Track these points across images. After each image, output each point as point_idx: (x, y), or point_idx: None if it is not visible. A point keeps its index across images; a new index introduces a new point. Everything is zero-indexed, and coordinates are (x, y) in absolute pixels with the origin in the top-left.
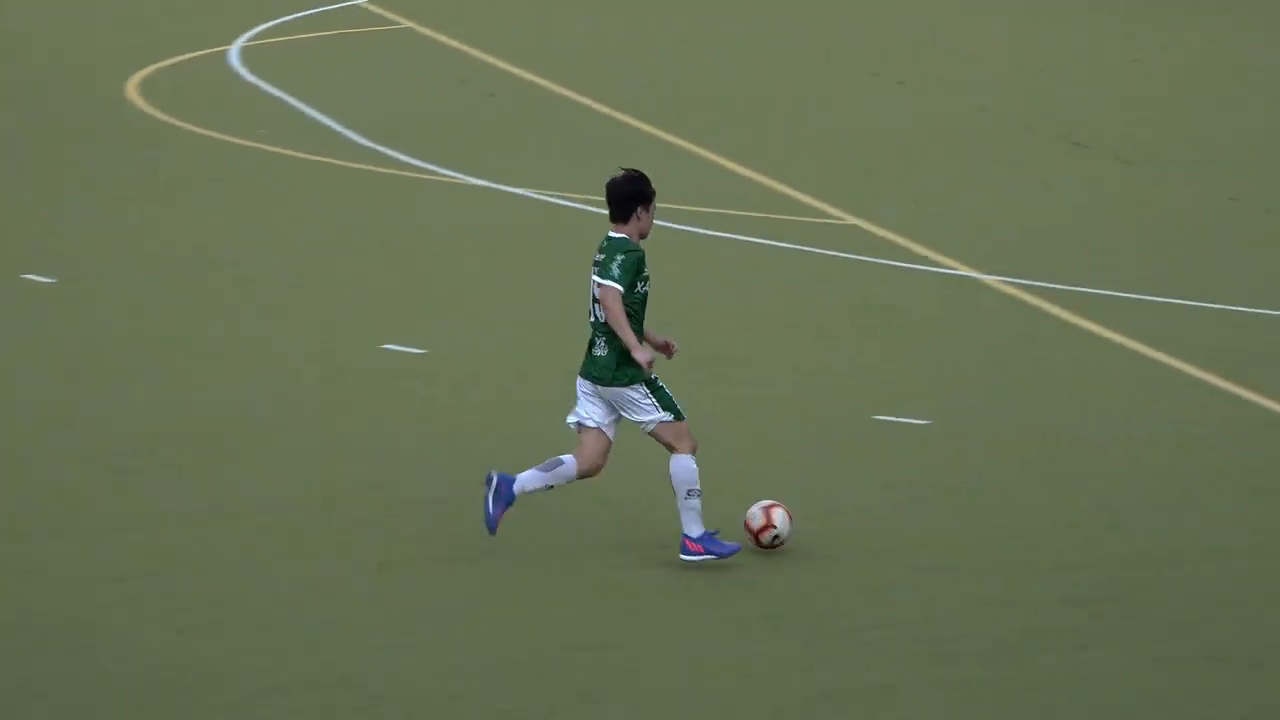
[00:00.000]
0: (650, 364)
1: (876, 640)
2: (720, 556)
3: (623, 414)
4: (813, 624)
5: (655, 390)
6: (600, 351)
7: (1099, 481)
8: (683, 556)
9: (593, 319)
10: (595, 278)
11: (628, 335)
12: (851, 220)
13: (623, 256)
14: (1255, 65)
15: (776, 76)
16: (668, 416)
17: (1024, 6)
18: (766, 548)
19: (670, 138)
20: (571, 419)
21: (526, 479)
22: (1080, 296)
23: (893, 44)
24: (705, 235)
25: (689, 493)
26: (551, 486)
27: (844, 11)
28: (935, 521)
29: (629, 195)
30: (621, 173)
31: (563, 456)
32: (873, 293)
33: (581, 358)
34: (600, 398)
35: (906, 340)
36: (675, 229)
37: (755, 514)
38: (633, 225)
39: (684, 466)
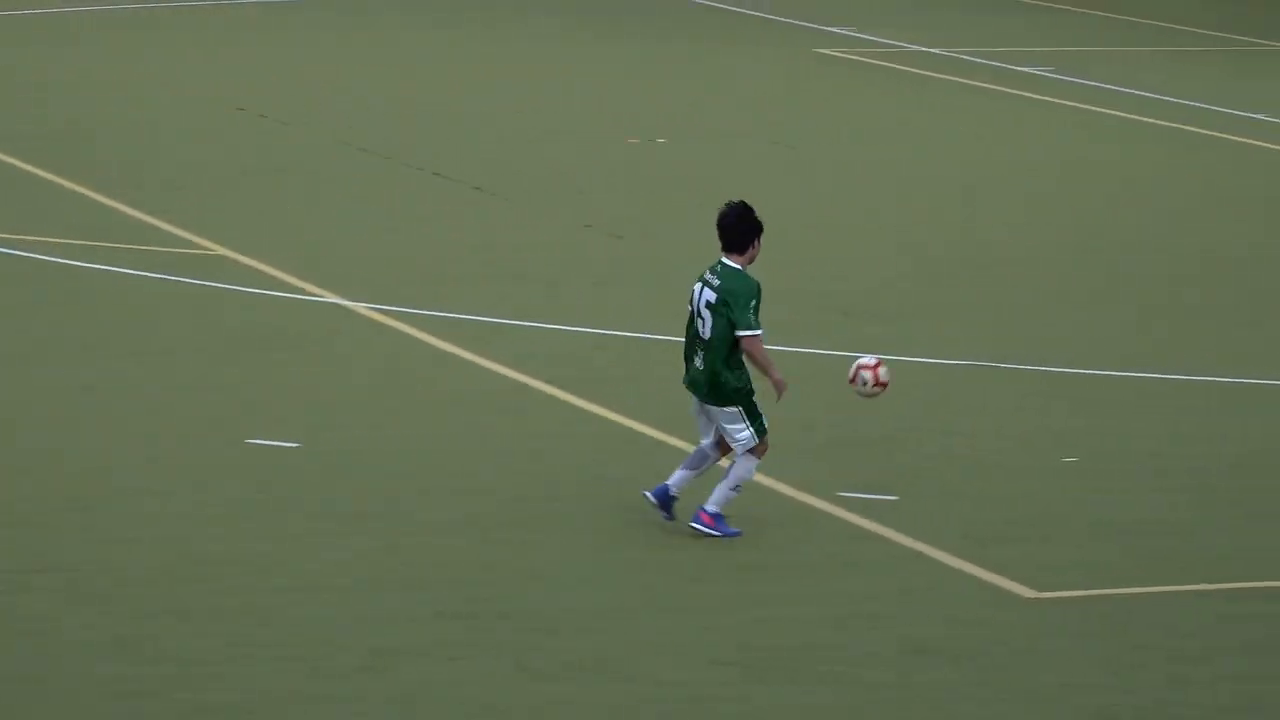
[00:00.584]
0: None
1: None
2: (726, 536)
3: (717, 424)
4: None
5: (751, 416)
6: (700, 365)
7: (466, 497)
8: (694, 524)
9: (692, 332)
10: (711, 310)
11: (774, 374)
12: (220, 250)
13: (755, 301)
14: (582, 96)
15: (141, 113)
16: (755, 441)
17: (383, 43)
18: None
19: (37, 171)
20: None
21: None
22: (444, 321)
23: (252, 79)
24: (74, 266)
25: (736, 486)
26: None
27: (199, 45)
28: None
29: (750, 226)
30: (734, 204)
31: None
32: (243, 320)
33: None
34: (704, 410)
35: (276, 365)
36: (39, 259)
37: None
38: (747, 255)
39: (749, 468)
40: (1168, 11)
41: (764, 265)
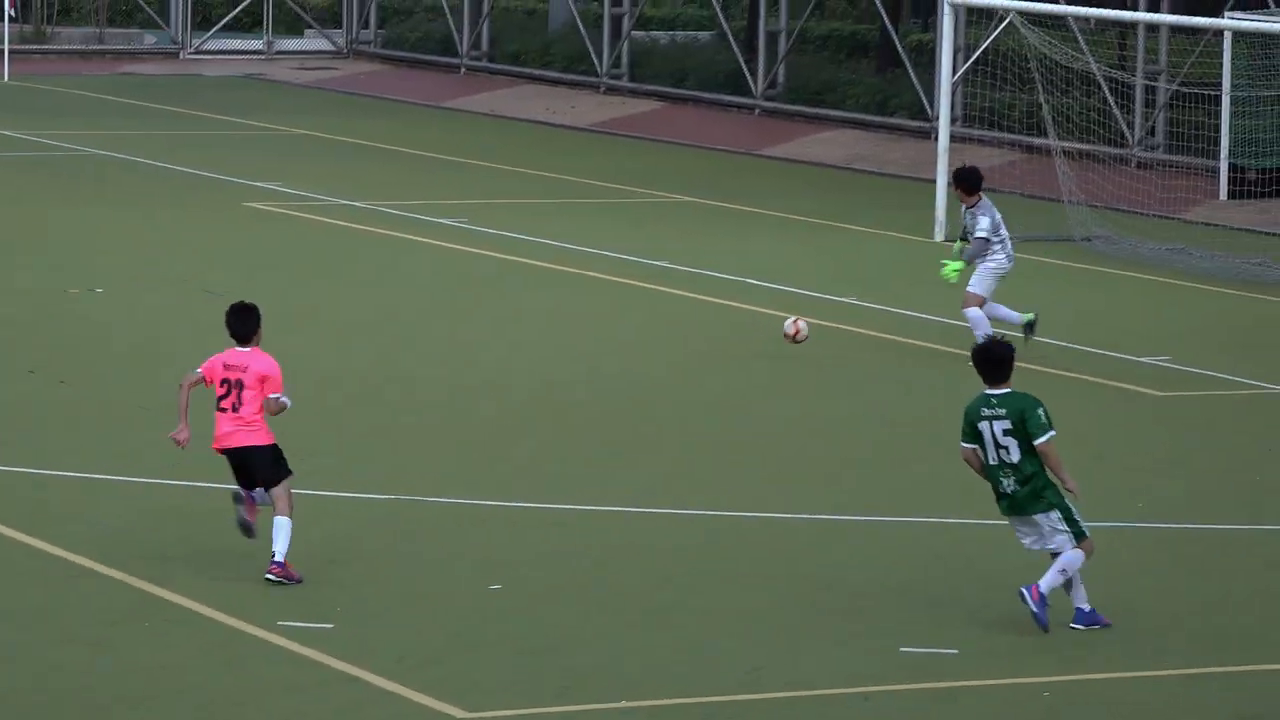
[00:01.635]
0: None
1: None
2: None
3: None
4: None
5: (1069, 519)
6: (1014, 490)
7: None
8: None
9: (995, 462)
10: (1010, 435)
11: (1067, 475)
12: None
13: (1042, 407)
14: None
15: None
16: (1074, 543)
17: None
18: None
19: None
20: (1036, 546)
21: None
22: None
23: None
24: None
25: (1064, 571)
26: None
27: None
28: None
29: (1005, 359)
30: (992, 341)
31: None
32: None
33: None
34: (1025, 523)
35: None
36: None
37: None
38: (1011, 380)
39: (1078, 559)
40: (562, 165)
41: (207, 407)
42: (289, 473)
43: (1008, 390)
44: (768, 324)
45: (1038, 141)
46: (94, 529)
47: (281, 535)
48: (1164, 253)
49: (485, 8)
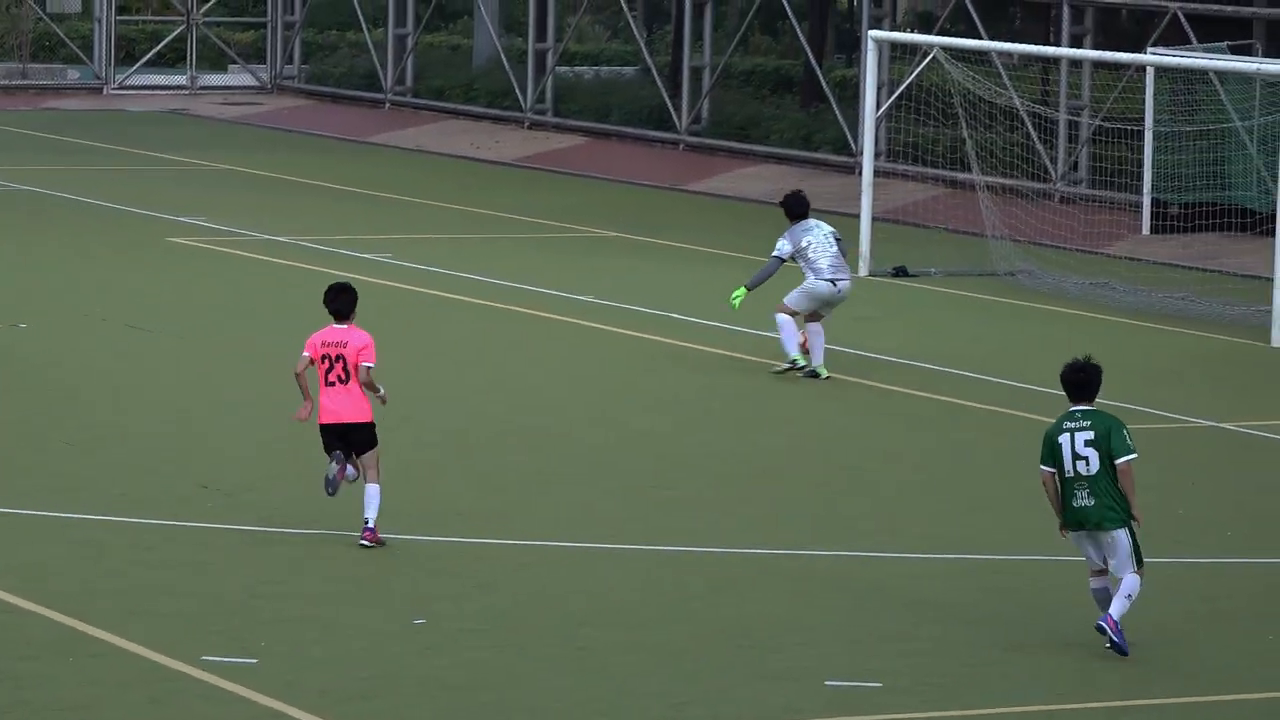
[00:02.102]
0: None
1: None
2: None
3: (1102, 549)
4: None
5: (1134, 542)
6: (1087, 503)
7: None
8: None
9: (1072, 474)
10: (1091, 445)
11: (1136, 501)
12: None
13: (1127, 429)
14: None
15: None
16: (1135, 567)
17: None
18: None
19: None
20: (1099, 562)
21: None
22: None
23: None
24: None
25: (1130, 596)
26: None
27: None
28: None
29: (1094, 379)
30: (1084, 362)
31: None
32: None
33: None
34: (1091, 538)
35: None
36: None
37: None
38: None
39: (1137, 582)
40: (487, 201)
41: (131, 442)
42: (377, 443)
43: (1093, 408)
44: (693, 358)
45: (961, 176)
46: (14, 563)
47: (373, 503)
48: (1087, 287)
49: (410, 43)
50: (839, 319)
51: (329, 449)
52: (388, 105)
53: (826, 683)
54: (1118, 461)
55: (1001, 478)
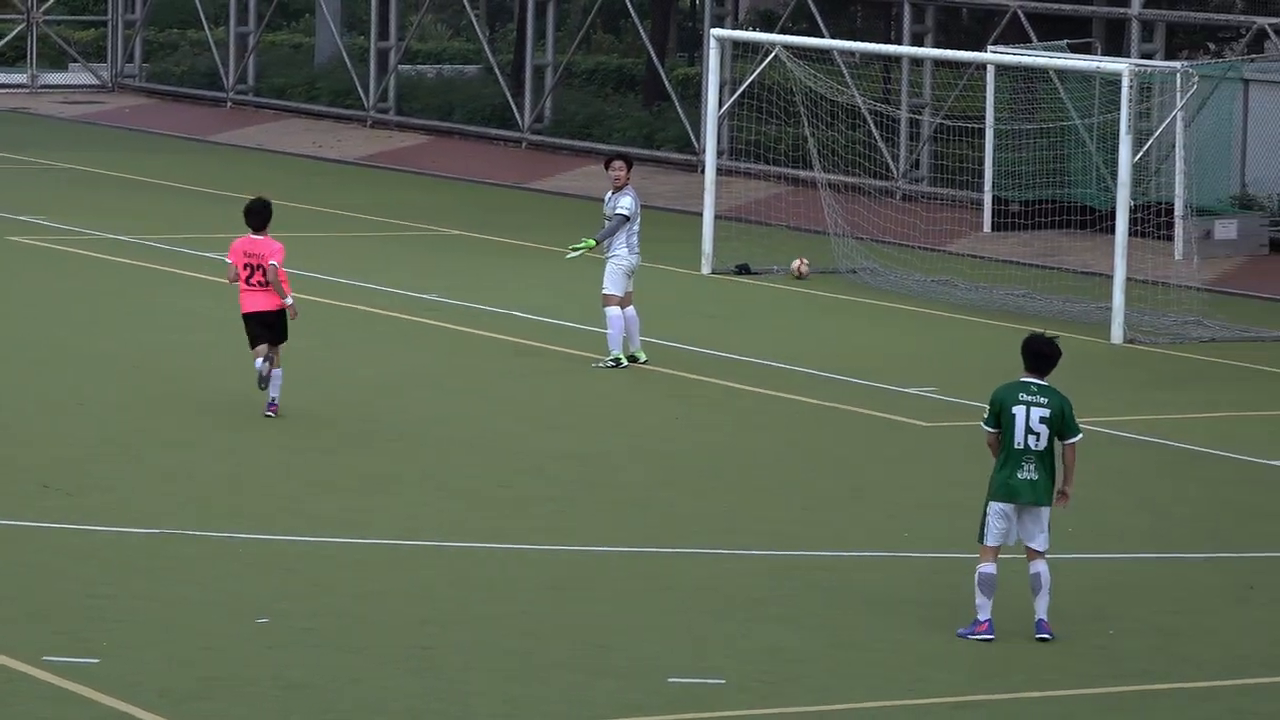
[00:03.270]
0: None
1: None
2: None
3: (1025, 524)
4: None
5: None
6: (1033, 476)
7: None
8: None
9: (1021, 446)
10: (1045, 423)
11: (1073, 482)
12: None
13: (1072, 410)
14: None
15: None
16: (1047, 545)
17: None
18: None
19: None
20: (1014, 538)
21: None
22: None
23: None
24: None
25: (1049, 589)
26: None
27: None
28: None
29: (1057, 354)
30: (1043, 336)
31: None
32: None
33: None
34: (1013, 515)
35: None
36: None
37: None
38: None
39: (1047, 570)
40: (330, 199)
41: None
42: (288, 337)
43: (1048, 384)
44: (536, 356)
45: (804, 174)
46: None
47: (278, 384)
48: (929, 285)
49: (251, 42)
50: (684, 318)
51: (255, 341)
52: (229, 104)
53: (668, 680)
54: (1068, 441)
55: (840, 476)
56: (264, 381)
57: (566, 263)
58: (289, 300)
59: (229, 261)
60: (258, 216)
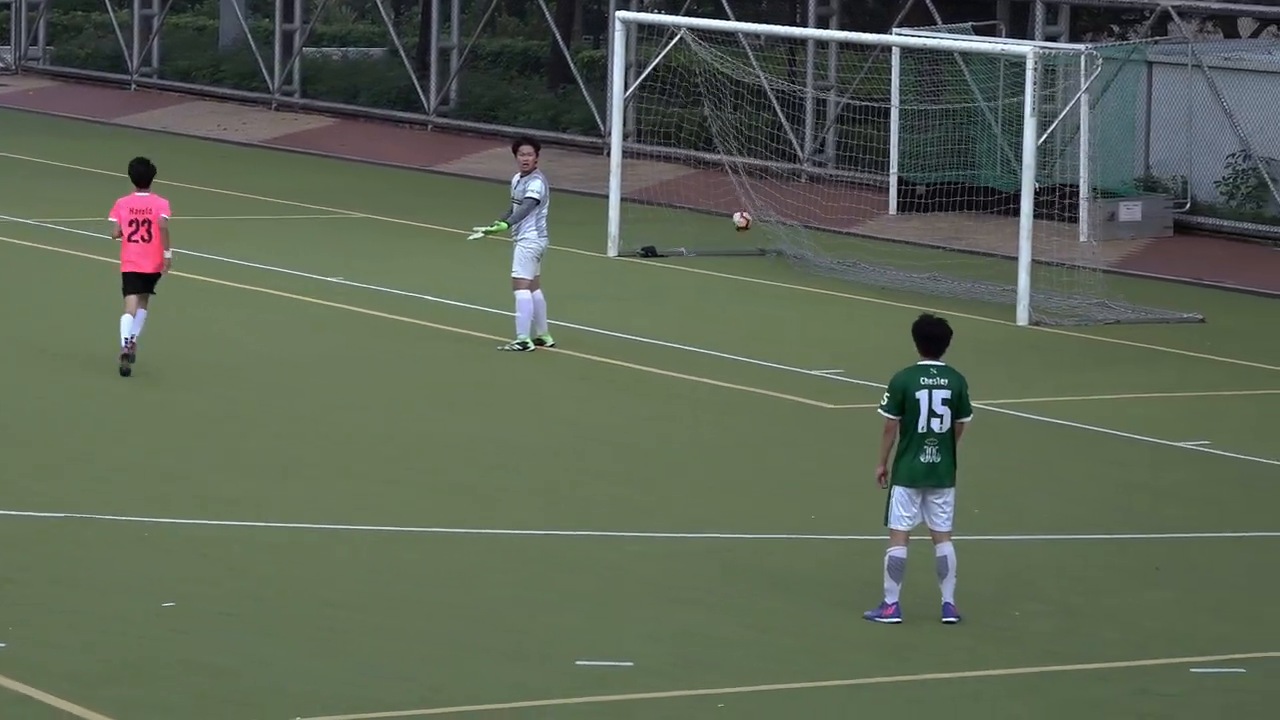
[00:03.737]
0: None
1: None
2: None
3: (929, 506)
4: None
5: None
6: (936, 459)
7: None
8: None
9: (924, 430)
10: (947, 405)
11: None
12: None
13: (967, 389)
14: None
15: None
16: (950, 525)
17: None
18: None
19: None
20: (911, 525)
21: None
22: None
23: None
24: None
25: (954, 572)
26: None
27: None
28: None
29: (949, 334)
30: (934, 318)
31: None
32: None
33: None
34: (917, 499)
35: None
36: None
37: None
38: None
39: (953, 553)
40: (234, 182)
41: None
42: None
43: (945, 364)
44: (442, 339)
45: (710, 157)
46: None
47: (140, 326)
48: (836, 266)
49: (155, 24)
50: (590, 301)
51: (128, 292)
52: (134, 86)
53: (577, 662)
54: (964, 420)
55: (747, 458)
56: (128, 357)
57: (470, 245)
58: (168, 254)
59: (113, 220)
60: (141, 173)
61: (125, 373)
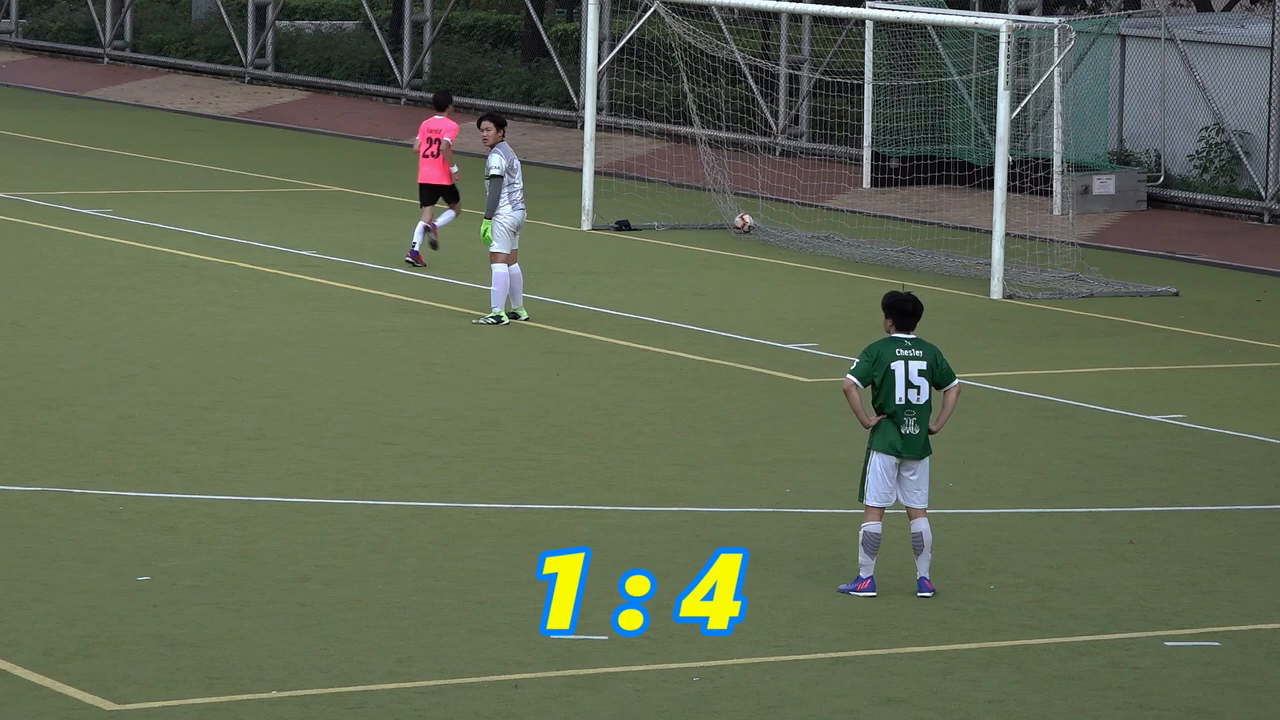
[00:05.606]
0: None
1: None
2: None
3: (904, 482)
4: None
5: None
6: (914, 431)
7: None
8: (927, 593)
9: (903, 402)
10: (923, 375)
11: (945, 422)
12: None
13: (944, 357)
14: None
15: None
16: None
17: None
18: None
19: None
20: (896, 495)
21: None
22: None
23: None
24: None
25: (930, 546)
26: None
27: None
28: None
29: (920, 309)
30: (905, 292)
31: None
32: None
33: None
34: (894, 471)
35: None
36: None
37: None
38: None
39: (929, 529)
40: (208, 156)
41: None
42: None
43: (918, 336)
44: (416, 312)
45: (684, 130)
46: None
47: (447, 220)
48: (810, 240)
49: None
50: (565, 274)
51: (424, 203)
52: (106, 60)
53: (549, 634)
54: (948, 388)
55: (721, 432)
56: (432, 244)
57: (448, 222)
58: (455, 169)
59: (416, 139)
60: (439, 100)
61: (434, 245)
